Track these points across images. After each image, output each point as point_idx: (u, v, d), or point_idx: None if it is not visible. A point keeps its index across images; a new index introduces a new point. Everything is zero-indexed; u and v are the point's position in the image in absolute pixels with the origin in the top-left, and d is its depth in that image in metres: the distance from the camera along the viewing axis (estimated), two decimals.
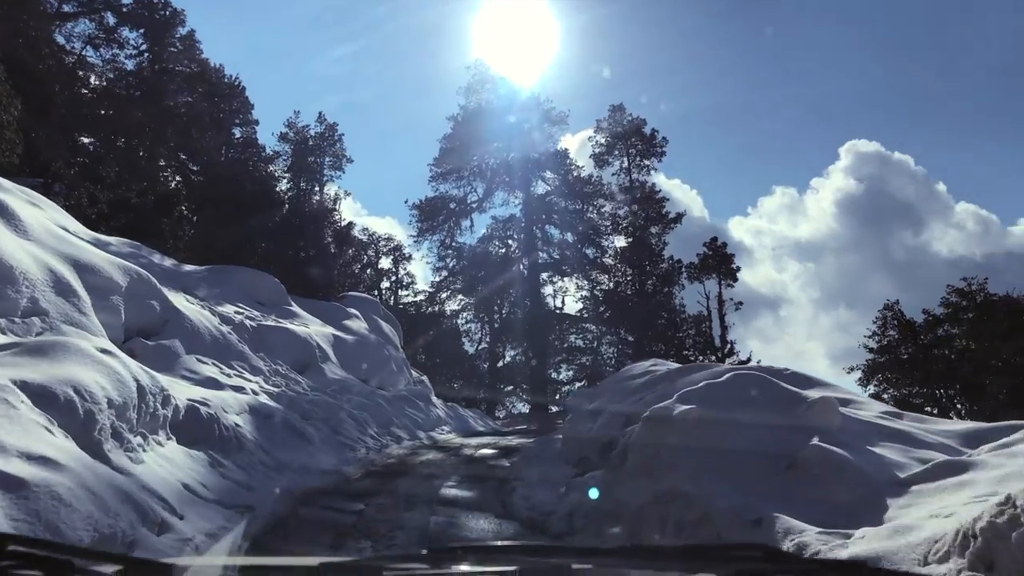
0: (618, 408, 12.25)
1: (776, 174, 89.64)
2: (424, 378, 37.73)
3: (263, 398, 15.35)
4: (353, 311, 33.64)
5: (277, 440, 12.24)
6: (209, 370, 15.93)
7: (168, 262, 25.66)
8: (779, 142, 79.19)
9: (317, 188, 40.85)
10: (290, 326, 22.62)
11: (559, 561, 1.01)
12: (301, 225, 36.80)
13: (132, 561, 1.09)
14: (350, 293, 38.63)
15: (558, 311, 51.00)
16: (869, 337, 50.24)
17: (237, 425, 11.47)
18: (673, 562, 1.07)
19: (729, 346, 45.90)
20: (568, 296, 51.62)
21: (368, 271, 58.98)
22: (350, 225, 41.25)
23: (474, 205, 51.84)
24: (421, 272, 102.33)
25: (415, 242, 52.01)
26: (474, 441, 20.68)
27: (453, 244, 52.11)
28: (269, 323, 21.86)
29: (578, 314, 49.82)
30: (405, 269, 60.42)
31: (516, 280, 53.08)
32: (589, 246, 50.34)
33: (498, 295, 54.38)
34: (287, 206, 37.38)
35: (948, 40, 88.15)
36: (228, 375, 16.38)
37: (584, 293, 50.44)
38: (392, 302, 58.13)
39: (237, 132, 41.86)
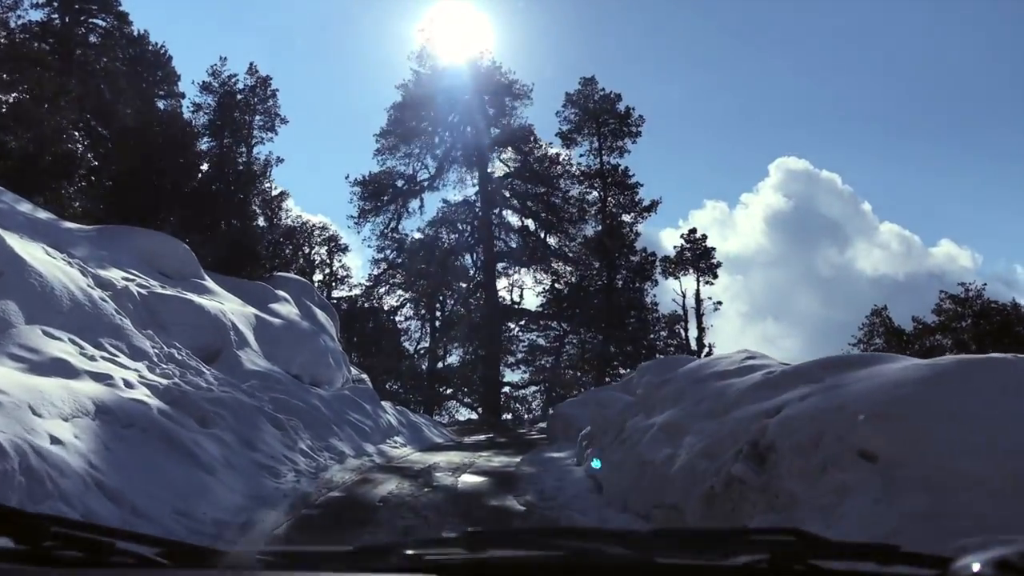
0: (736, 425, 7.30)
1: (708, 188, 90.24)
2: (365, 376, 32.49)
3: (139, 393, 10.11)
4: (282, 293, 28.22)
5: (135, 465, 7.03)
6: (60, 348, 10.60)
7: (43, 215, 19.90)
8: (712, 156, 78.50)
9: (244, 150, 35.24)
10: (197, 299, 17.18)
11: (596, 545, 0.97)
12: (223, 191, 31.17)
13: (171, 544, 1.10)
14: (280, 273, 33.13)
15: (515, 306, 46.10)
16: (854, 345, 46.74)
17: (56, 442, 6.24)
18: (707, 546, 1.05)
19: (708, 349, 41.59)
20: (527, 290, 46.73)
21: (300, 262, 53.68)
22: (282, 196, 35.72)
23: (424, 184, 46.63)
24: (358, 265, 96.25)
25: (356, 223, 46.55)
26: (441, 459, 15.60)
27: (395, 233, 46.72)
28: (167, 292, 16.40)
29: (539, 310, 44.97)
30: (340, 261, 54.32)
31: (467, 271, 48.09)
32: (553, 234, 45.61)
33: (444, 288, 49.27)
34: (208, 168, 31.68)
35: (878, 62, 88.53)
36: (91, 357, 11.06)
37: (545, 287, 45.64)
38: (325, 297, 53.57)
39: (162, 104, 36.25)
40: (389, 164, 46.03)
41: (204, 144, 33.37)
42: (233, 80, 35.37)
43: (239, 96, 35.48)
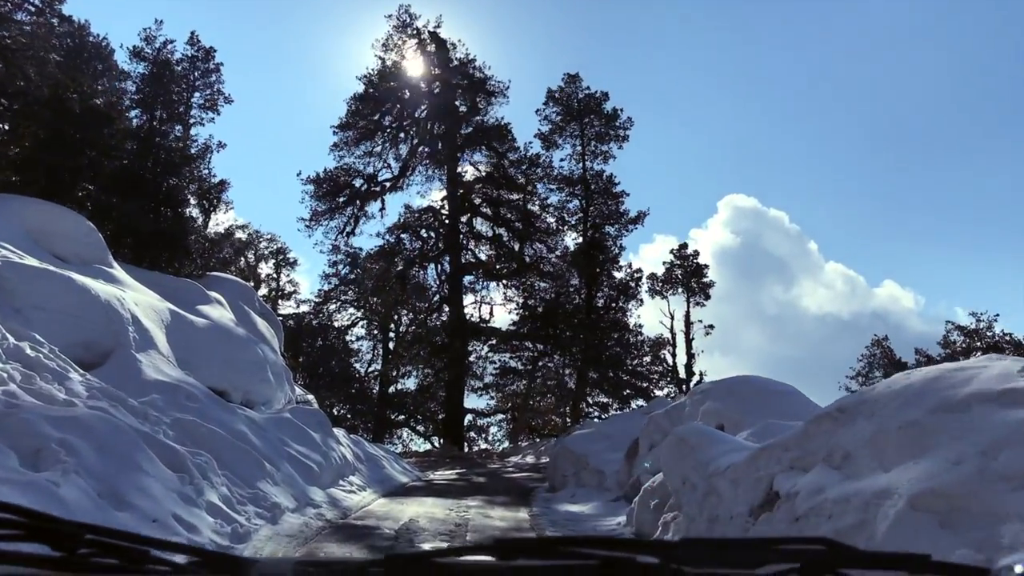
0: None
1: (658, 223, 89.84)
2: (311, 397, 27.87)
3: None
4: (215, 295, 23.57)
5: None
6: None
7: None
8: (662, 192, 78.77)
9: (181, 130, 30.58)
10: (80, 279, 12.52)
11: (627, 554, 1.01)
12: (151, 173, 26.43)
13: (206, 553, 1.12)
14: (215, 273, 28.47)
15: (483, 324, 41.68)
16: (852, 378, 43.28)
17: None
18: (737, 555, 1.07)
19: (698, 377, 37.65)
20: (496, 307, 42.37)
21: (242, 268, 49.16)
22: (222, 185, 30.94)
23: (386, 185, 42.12)
24: (308, 283, 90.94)
25: (307, 226, 41.77)
26: (418, 513, 11.20)
27: (352, 236, 42.07)
28: (31, 264, 11.75)
29: (511, 329, 40.56)
30: (288, 276, 51.40)
31: (430, 284, 43.62)
32: (528, 245, 41.36)
33: (402, 304, 44.76)
34: (133, 146, 26.92)
35: (826, 103, 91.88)
36: None
37: (517, 304, 41.30)
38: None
39: (99, 102, 31.42)
40: (347, 161, 41.55)
41: (134, 120, 28.67)
42: (170, 47, 30.70)
43: (176, 67, 30.80)
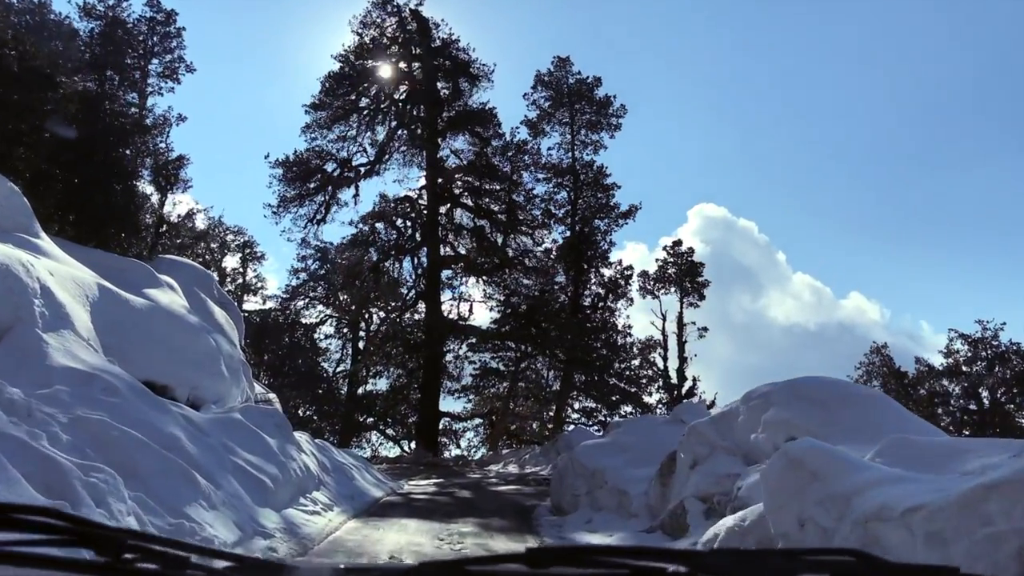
0: None
1: (628, 230, 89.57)
2: (273, 397, 25.23)
3: None
4: (167, 279, 20.86)
5: None
6: None
7: None
8: (631, 199, 78.27)
9: (136, 98, 27.79)
10: None
11: (658, 564, 1.05)
12: (100, 140, 23.68)
13: (244, 558, 1.15)
14: (170, 256, 25.84)
15: (461, 322, 39.11)
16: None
17: None
18: (768, 566, 1.08)
19: (691, 383, 35.43)
20: (476, 304, 39.82)
21: (210, 268, 46.41)
22: (180, 161, 28.11)
23: (361, 170, 39.45)
24: (277, 278, 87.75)
25: (274, 213, 38.94)
26: (399, 544, 8.69)
27: (322, 224, 39.35)
28: None
29: (491, 328, 38.01)
30: (255, 271, 48.52)
31: (405, 279, 41.02)
32: (512, 238, 38.86)
33: (374, 300, 42.19)
34: (78, 110, 24.15)
35: (799, 114, 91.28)
36: None
37: (498, 301, 38.77)
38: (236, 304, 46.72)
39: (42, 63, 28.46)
40: (319, 144, 38.80)
41: (82, 85, 25.84)
42: (125, 5, 27.87)
43: (132, 29, 27.99)
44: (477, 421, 41.12)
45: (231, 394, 18.05)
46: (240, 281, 48.58)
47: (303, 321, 46.09)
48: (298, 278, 44.01)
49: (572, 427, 30.72)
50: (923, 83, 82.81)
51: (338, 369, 47.22)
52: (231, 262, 47.57)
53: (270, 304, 47.06)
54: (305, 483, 11.72)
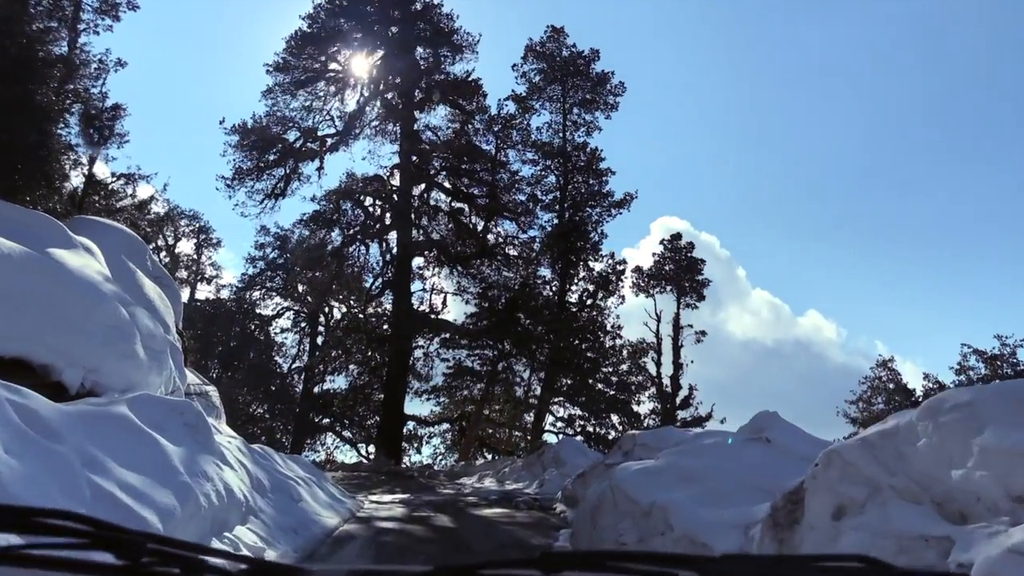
0: None
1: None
2: (211, 390, 21.33)
3: None
4: (84, 240, 16.76)
5: None
6: None
7: None
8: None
9: (65, 33, 23.80)
10: None
11: (670, 569, 1.05)
12: (7, 72, 19.64)
13: (261, 563, 1.18)
14: (95, 217, 21.82)
15: (433, 316, 35.36)
16: (853, 403, 38.17)
17: None
18: (778, 572, 1.11)
19: (687, 392, 31.99)
20: (450, 295, 36.09)
21: (161, 252, 42.72)
22: (116, 111, 24.08)
23: (327, 142, 35.53)
24: (235, 272, 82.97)
25: (228, 186, 34.85)
26: None
27: (281, 198, 35.40)
28: None
29: (467, 324, 34.28)
30: (210, 258, 46.06)
31: (372, 264, 37.19)
32: (493, 225, 35.23)
33: (336, 290, 38.38)
34: None
35: (762, 132, 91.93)
36: None
37: (474, 293, 35.05)
38: (189, 297, 43.47)
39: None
40: (281, 110, 34.84)
41: None
42: None
43: None
44: (445, 426, 37.44)
45: (148, 382, 14.17)
46: (194, 268, 46.04)
47: (259, 312, 42.67)
48: (255, 267, 40.61)
49: (560, 437, 27.17)
50: (884, 101, 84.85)
51: (294, 365, 43.70)
52: (185, 247, 45.42)
53: (225, 294, 44.38)
54: (225, 513, 7.97)
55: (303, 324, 43.63)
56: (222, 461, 9.02)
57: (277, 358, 43.60)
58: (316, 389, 41.70)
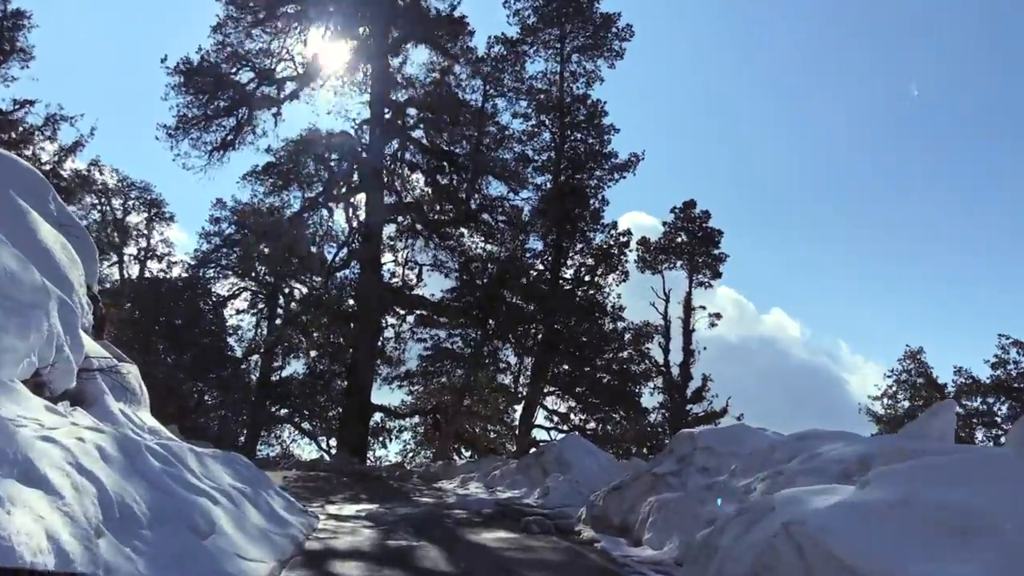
0: None
1: None
2: (128, 367, 16.76)
3: None
4: None
5: None
6: None
7: None
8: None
9: None
10: None
11: None
12: None
13: None
14: None
15: (407, 291, 30.87)
16: (877, 399, 34.35)
17: None
18: None
19: (700, 383, 27.86)
20: (427, 268, 31.56)
21: (109, 229, 40.96)
22: (18, 18, 19.32)
23: (286, 89, 30.79)
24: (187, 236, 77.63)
25: (170, 136, 30.00)
26: None
27: (231, 150, 30.65)
28: None
29: (446, 299, 29.85)
30: (162, 234, 42.74)
31: (337, 232, 32.66)
32: (478, 187, 30.74)
33: (294, 263, 33.83)
34: None
35: (731, 125, 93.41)
36: None
37: (455, 265, 30.60)
38: (138, 274, 41.47)
39: None
40: (234, 47, 30.03)
41: None
42: None
43: None
44: (417, 419, 33.00)
45: (11, 347, 9.67)
46: (144, 244, 42.84)
47: (213, 291, 39.61)
48: (209, 242, 37.56)
49: (560, 435, 22.91)
50: (859, 96, 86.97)
51: (249, 350, 39.85)
52: (135, 220, 42.31)
53: (177, 272, 41.19)
54: None
55: (261, 306, 40.01)
56: (25, 480, 4.62)
57: (232, 342, 40.41)
58: (275, 377, 38.38)
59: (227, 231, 37.76)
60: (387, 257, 32.11)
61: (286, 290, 38.99)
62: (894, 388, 33.76)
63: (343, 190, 31.81)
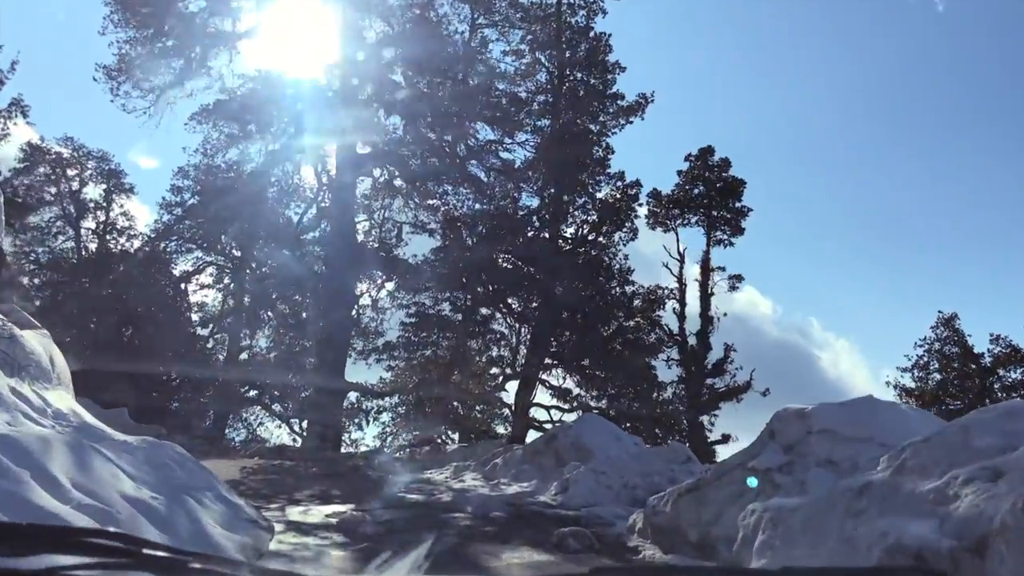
0: None
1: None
2: (33, 334, 13.20)
3: None
4: None
5: None
6: None
7: None
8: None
9: None
10: None
11: None
12: None
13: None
14: None
15: (384, 252, 27.19)
16: (906, 370, 31.20)
17: None
18: None
19: (722, 354, 24.54)
20: (407, 227, 27.90)
21: (65, 202, 38.21)
22: None
23: (243, 19, 26.87)
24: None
25: (110, 79, 26.05)
26: None
27: (181, 94, 26.77)
28: None
29: (430, 260, 26.24)
30: (122, 206, 39.38)
31: (302, 186, 28.95)
32: (467, 134, 27.04)
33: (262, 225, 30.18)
34: None
35: (707, 100, 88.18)
36: None
37: (439, 221, 26.97)
38: (96, 249, 38.53)
39: None
40: None
41: None
42: None
43: None
44: (396, 399, 29.45)
45: None
46: (103, 218, 39.78)
47: (175, 265, 36.50)
48: (171, 213, 34.03)
49: (579, 415, 19.48)
50: (831, 80, 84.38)
51: (215, 328, 36.97)
52: (93, 191, 39.17)
53: (136, 244, 37.99)
54: None
55: (227, 280, 36.88)
56: None
57: (195, 318, 37.19)
58: (245, 355, 35.66)
59: (190, 201, 34.60)
60: (361, 216, 28.55)
61: (253, 264, 35.77)
62: (925, 358, 30.63)
63: (310, 141, 28.08)
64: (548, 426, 24.02)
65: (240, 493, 13.00)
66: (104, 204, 39.39)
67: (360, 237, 27.76)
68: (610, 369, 23.77)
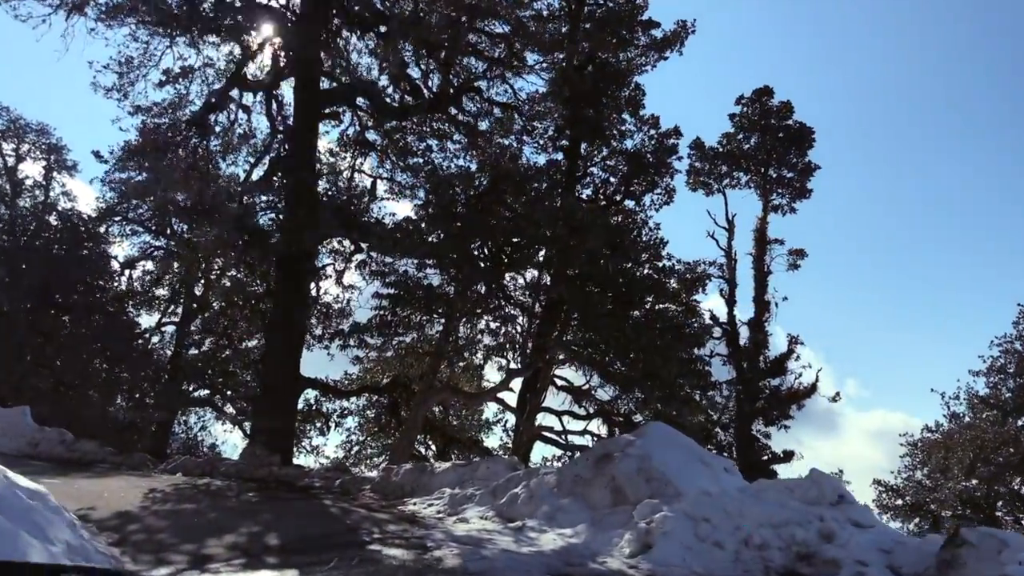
0: None
1: None
2: None
3: None
4: None
5: None
6: None
7: None
8: None
9: None
10: None
11: None
12: None
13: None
14: None
15: (354, 215, 21.75)
16: (978, 374, 26.18)
17: None
18: None
19: (789, 347, 19.36)
20: (382, 182, 22.51)
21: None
22: None
23: None
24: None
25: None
26: None
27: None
28: None
29: (413, 221, 20.84)
30: (63, 185, 37.39)
31: (256, 133, 23.49)
32: (454, 67, 21.63)
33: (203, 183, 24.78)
34: None
35: (698, 105, 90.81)
36: None
37: (423, 176, 21.61)
38: (34, 231, 34.70)
39: None
40: None
41: None
42: None
43: None
44: (364, 400, 24.09)
45: None
46: (42, 198, 37.57)
47: (117, 249, 33.54)
48: (113, 190, 29.67)
49: (646, 423, 14.22)
50: (822, 77, 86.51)
51: (163, 320, 33.77)
52: (31, 168, 36.97)
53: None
54: None
55: (177, 265, 32.99)
56: None
57: (140, 310, 34.38)
58: (194, 350, 32.93)
59: (136, 178, 29.74)
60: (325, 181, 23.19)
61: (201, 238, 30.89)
62: (1001, 360, 25.72)
63: (264, 75, 22.62)
64: (556, 438, 19.01)
65: (122, 539, 8.21)
66: (43, 182, 36.73)
67: (322, 191, 22.41)
68: (648, 365, 18.36)
